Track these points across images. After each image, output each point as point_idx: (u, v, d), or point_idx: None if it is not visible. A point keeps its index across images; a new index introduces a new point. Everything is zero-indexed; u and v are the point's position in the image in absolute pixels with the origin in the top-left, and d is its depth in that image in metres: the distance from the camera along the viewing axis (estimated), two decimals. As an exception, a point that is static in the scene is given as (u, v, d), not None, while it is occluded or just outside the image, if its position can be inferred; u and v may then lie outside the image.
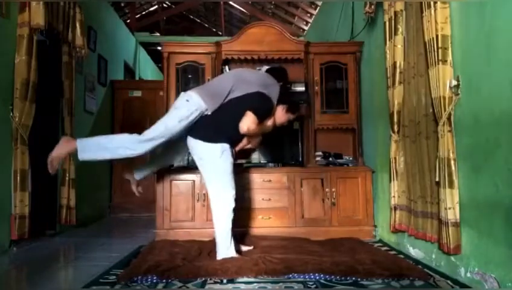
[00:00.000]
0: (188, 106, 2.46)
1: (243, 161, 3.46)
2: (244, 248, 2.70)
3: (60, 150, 2.44)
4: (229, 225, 2.46)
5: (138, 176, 2.92)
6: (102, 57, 4.98)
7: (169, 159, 2.98)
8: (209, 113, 2.49)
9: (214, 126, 2.49)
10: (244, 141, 2.63)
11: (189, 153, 2.76)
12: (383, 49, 2.92)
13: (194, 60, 3.59)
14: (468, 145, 2.04)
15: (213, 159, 2.46)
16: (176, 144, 2.67)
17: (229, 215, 2.47)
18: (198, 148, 2.49)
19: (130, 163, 2.43)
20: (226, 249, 2.45)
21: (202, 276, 2.12)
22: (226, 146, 2.48)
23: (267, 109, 2.59)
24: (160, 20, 8.67)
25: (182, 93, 2.57)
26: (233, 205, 2.49)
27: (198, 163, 2.53)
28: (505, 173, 1.76)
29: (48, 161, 2.41)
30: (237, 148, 2.65)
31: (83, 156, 2.41)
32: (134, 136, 2.43)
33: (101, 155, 2.48)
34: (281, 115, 2.70)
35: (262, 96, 2.55)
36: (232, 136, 2.53)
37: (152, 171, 3.01)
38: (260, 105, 2.53)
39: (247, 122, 2.44)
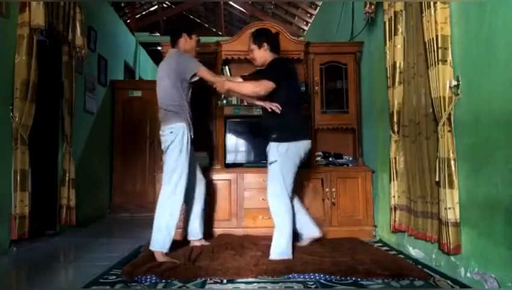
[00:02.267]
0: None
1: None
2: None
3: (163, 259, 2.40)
4: None
5: (193, 236, 2.85)
6: (102, 57, 4.97)
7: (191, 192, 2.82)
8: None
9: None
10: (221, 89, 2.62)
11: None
12: (383, 49, 2.93)
13: (194, 60, 3.58)
14: (468, 145, 2.04)
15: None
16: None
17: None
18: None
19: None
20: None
21: (202, 276, 2.12)
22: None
23: (189, 60, 2.66)
24: (160, 20, 8.67)
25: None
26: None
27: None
28: (505, 173, 1.76)
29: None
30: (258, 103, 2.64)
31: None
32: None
33: (172, 228, 2.49)
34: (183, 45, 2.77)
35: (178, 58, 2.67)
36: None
37: (195, 220, 2.86)
38: (184, 63, 2.63)
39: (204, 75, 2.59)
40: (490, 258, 1.88)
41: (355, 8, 3.81)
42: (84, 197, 4.08)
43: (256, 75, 2.63)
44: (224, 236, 3.11)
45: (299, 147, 2.52)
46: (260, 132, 2.66)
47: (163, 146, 2.62)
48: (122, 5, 7.17)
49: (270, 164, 2.51)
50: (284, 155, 2.48)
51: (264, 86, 2.48)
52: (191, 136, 2.63)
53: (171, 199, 2.51)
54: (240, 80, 2.71)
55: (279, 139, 2.50)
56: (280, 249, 2.43)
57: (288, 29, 4.34)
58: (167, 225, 2.47)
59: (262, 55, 2.63)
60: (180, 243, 2.75)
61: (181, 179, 2.53)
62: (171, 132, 2.56)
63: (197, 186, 2.83)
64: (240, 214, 3.29)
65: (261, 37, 2.65)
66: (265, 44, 2.62)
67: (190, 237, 2.85)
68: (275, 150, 2.49)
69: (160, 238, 2.44)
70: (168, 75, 2.64)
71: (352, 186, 3.38)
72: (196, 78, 2.63)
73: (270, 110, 2.52)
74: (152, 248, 2.45)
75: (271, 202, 2.51)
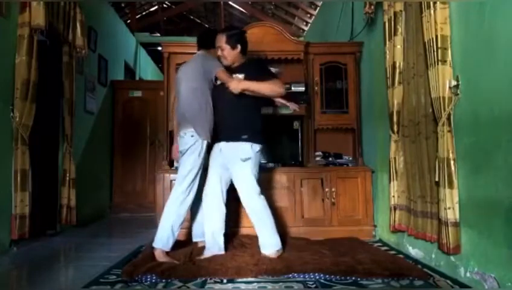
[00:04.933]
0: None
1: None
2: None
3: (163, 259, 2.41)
4: None
5: (198, 237, 2.82)
6: (102, 57, 4.98)
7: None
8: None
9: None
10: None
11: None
12: (382, 50, 2.93)
13: (194, 60, 3.58)
14: (468, 145, 2.04)
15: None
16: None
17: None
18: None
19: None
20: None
21: (202, 276, 2.12)
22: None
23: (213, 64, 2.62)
24: (161, 20, 8.68)
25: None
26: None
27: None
28: (505, 173, 1.76)
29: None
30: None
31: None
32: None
33: (176, 228, 2.51)
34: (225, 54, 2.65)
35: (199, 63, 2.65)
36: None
37: (200, 222, 2.83)
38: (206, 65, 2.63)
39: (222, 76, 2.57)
40: (490, 258, 1.89)
41: (355, 8, 3.81)
42: (84, 197, 4.09)
43: (259, 75, 2.58)
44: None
45: (262, 150, 2.62)
46: (224, 129, 2.61)
47: (181, 148, 2.61)
48: (123, 5, 7.17)
49: (244, 160, 2.51)
50: (255, 154, 2.55)
51: (282, 84, 2.60)
52: (208, 141, 2.62)
53: (181, 199, 2.52)
54: (241, 77, 2.65)
55: (252, 140, 2.53)
56: (275, 242, 2.50)
57: (288, 30, 4.34)
58: (173, 225, 2.48)
59: (234, 55, 2.62)
60: (182, 243, 2.76)
61: (194, 182, 2.56)
62: (192, 136, 2.55)
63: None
64: (239, 214, 3.29)
65: (236, 38, 2.62)
66: (238, 46, 2.61)
67: (196, 239, 2.83)
68: (249, 148, 2.52)
69: (165, 237, 2.45)
70: (195, 78, 2.61)
71: (352, 186, 3.38)
72: (219, 81, 2.62)
73: (292, 111, 2.94)
74: (155, 245, 2.46)
75: (255, 200, 2.54)
